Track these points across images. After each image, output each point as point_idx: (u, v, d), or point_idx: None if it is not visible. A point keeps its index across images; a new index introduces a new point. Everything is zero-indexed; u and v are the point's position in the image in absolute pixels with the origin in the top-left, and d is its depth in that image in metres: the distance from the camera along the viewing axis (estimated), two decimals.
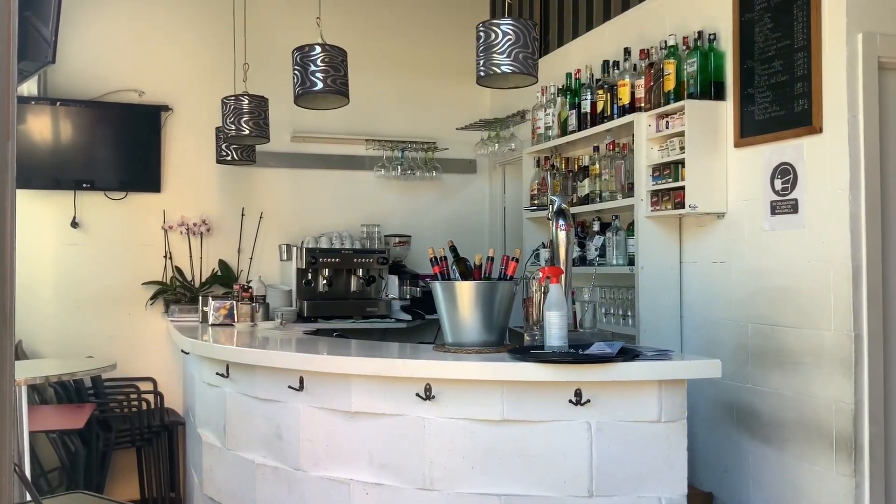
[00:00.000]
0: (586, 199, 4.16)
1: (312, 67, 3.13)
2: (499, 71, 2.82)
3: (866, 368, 2.85)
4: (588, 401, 2.60)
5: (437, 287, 2.96)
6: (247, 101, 3.76)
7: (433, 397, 2.68)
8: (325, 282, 5.02)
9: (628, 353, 2.68)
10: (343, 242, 5.09)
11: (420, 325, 5.17)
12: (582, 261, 4.15)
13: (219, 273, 5.08)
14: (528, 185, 4.69)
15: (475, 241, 5.65)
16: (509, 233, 5.67)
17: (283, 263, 5.21)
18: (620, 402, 2.61)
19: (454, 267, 3.09)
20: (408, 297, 5.13)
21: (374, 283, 5.14)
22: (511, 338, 3.09)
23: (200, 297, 4.49)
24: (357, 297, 5.13)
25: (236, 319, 4.23)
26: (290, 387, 2.96)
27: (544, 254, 4.72)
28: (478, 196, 5.82)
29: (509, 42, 2.80)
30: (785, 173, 3.16)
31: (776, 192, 3.20)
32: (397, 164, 5.42)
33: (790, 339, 3.14)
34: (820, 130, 2.98)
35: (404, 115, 5.59)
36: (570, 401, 2.60)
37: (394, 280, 5.17)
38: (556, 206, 3.04)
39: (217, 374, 3.35)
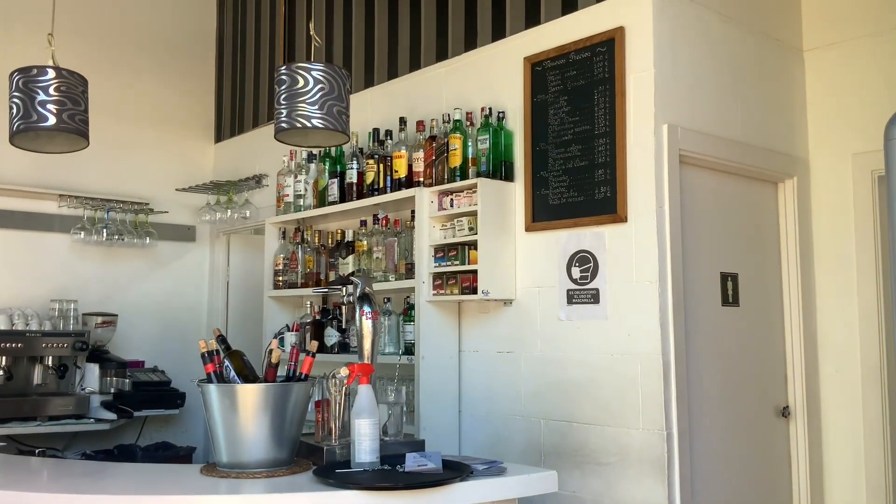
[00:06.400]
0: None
1: (42, 97, 2.32)
2: (308, 125, 2.30)
3: (677, 469, 2.74)
4: None
5: (212, 392, 2.29)
6: None
7: None
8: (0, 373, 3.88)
9: (456, 468, 2.27)
10: (27, 322, 4.02)
11: (123, 425, 4.23)
12: (343, 348, 3.67)
13: None
14: (271, 259, 4.10)
15: (192, 321, 4.86)
16: (234, 312, 4.96)
17: None
18: None
19: (228, 363, 2.44)
20: (112, 390, 4.17)
21: (68, 374, 4.10)
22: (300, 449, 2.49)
23: None
24: (41, 392, 4.04)
25: None
26: None
27: (290, 338, 4.14)
28: (196, 268, 5.04)
29: (322, 92, 2.31)
30: (584, 261, 3.03)
31: (574, 281, 3.06)
32: (101, 228, 4.48)
33: (591, 437, 2.95)
34: (625, 220, 2.89)
35: (112, 169, 4.68)
36: None
37: (94, 370, 4.18)
38: (359, 290, 2.55)
39: None
